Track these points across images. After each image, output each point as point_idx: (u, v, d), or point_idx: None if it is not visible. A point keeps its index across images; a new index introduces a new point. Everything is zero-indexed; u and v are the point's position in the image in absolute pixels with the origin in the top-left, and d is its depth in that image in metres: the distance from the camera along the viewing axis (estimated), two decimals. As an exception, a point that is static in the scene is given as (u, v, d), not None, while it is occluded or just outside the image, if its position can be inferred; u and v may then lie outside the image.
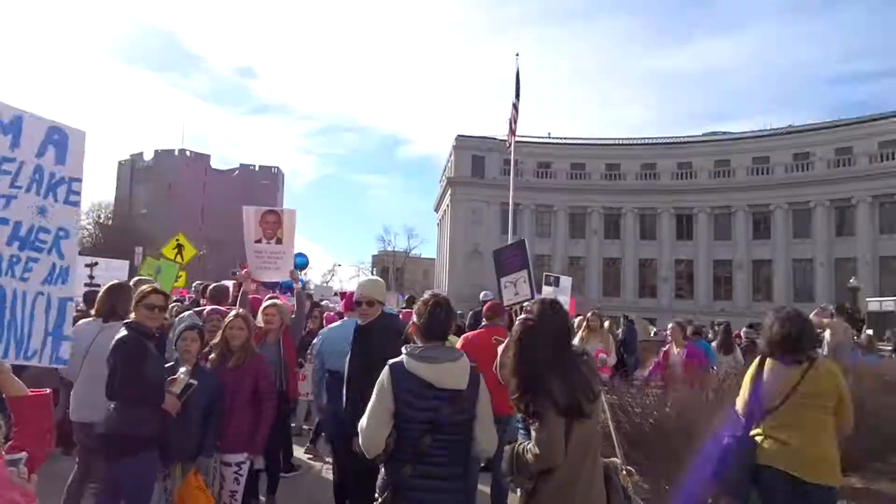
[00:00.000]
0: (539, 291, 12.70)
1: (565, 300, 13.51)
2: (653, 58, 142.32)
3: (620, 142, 59.35)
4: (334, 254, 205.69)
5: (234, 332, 5.14)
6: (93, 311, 5.84)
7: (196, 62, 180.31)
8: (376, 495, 3.37)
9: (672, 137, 58.57)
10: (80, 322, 5.74)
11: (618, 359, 11.50)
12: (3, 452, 2.18)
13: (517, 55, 21.61)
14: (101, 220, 68.46)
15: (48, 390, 2.49)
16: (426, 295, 3.68)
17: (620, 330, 15.24)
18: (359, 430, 3.38)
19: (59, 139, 2.89)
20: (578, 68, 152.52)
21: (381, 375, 3.39)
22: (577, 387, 3.24)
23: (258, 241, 6.81)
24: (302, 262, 14.08)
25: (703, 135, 59.21)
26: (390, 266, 69.82)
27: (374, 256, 78.64)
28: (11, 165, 2.69)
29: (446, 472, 3.30)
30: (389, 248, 73.71)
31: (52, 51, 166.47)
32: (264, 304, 6.34)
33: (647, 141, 58.82)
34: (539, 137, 58.51)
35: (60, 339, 2.84)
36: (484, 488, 6.50)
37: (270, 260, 6.83)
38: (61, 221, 2.91)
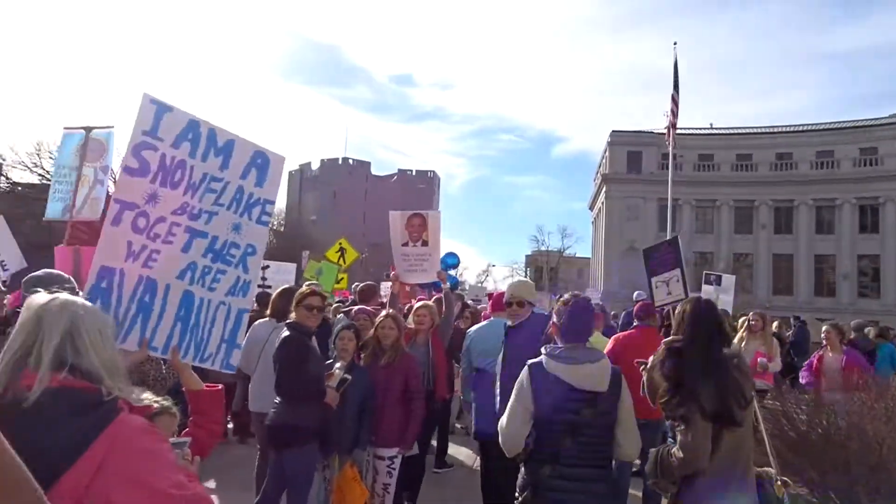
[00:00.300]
0: (699, 290, 12.11)
1: (728, 300, 12.76)
2: (825, 36, 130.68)
3: (792, 129, 54.86)
4: (488, 255, 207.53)
5: (385, 332, 5.39)
6: (267, 312, 6.44)
7: (357, 73, 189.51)
8: (516, 494, 3.41)
9: (853, 121, 53.22)
10: (257, 323, 6.40)
11: (788, 362, 10.68)
12: (178, 436, 2.46)
13: (675, 44, 20.63)
14: (274, 227, 73.88)
15: (221, 386, 2.76)
16: (566, 295, 3.66)
17: (791, 332, 14.14)
18: (499, 428, 3.44)
19: (261, 163, 3.14)
20: (741, 54, 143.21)
21: (520, 375, 3.42)
22: (727, 392, 3.09)
23: (405, 245, 7.02)
24: (453, 262, 14.38)
25: (891, 116, 53.22)
26: (544, 266, 69.37)
27: (527, 256, 78.46)
28: (218, 185, 2.98)
29: (586, 474, 3.27)
30: (543, 248, 73.22)
31: (224, 71, 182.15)
32: (416, 305, 6.56)
33: (822, 126, 53.89)
34: (700, 129, 55.62)
35: (233, 347, 3.06)
36: (636, 492, 6.33)
37: (417, 262, 7.03)
38: (251, 239, 3.12)
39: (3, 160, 50.05)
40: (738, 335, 7.96)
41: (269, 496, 5.10)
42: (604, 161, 59.17)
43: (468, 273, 78.72)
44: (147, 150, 2.74)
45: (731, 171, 53.54)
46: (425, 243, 6.97)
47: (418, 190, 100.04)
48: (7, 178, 50.63)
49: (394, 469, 5.28)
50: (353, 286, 12.62)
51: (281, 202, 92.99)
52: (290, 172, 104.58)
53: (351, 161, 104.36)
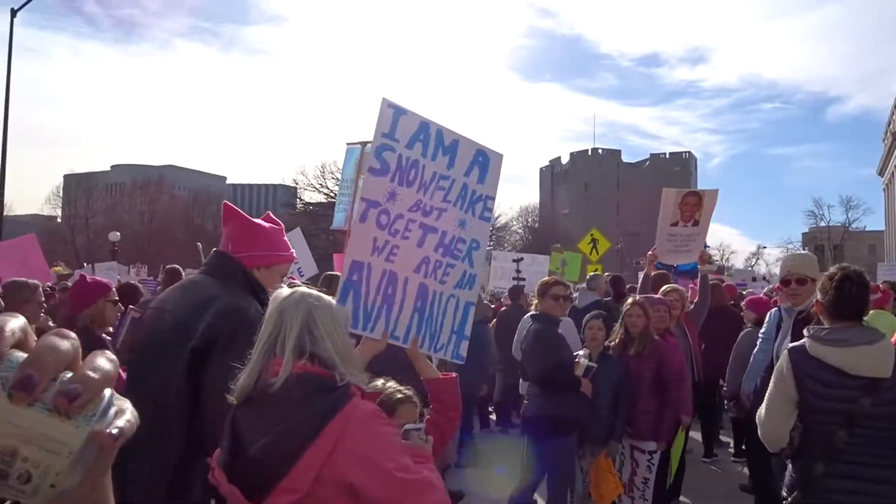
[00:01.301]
0: None
1: None
2: None
3: None
4: (757, 236, 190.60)
5: (633, 320, 5.19)
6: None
7: (601, 61, 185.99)
8: (784, 493, 3.07)
9: None
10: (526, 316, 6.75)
11: None
12: (417, 423, 2.60)
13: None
14: (528, 223, 75.41)
15: (455, 374, 2.82)
16: (832, 268, 3.21)
17: None
18: (756, 420, 3.14)
19: (482, 161, 3.24)
20: None
21: (779, 361, 3.09)
22: None
23: (674, 224, 6.69)
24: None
25: None
26: (825, 243, 61.77)
27: (804, 234, 70.54)
28: (446, 182, 3.11)
29: (871, 474, 2.83)
30: (823, 224, 65.29)
31: (472, 80, 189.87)
32: (663, 288, 6.21)
33: None
34: None
35: (462, 338, 3.15)
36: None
37: (683, 242, 6.69)
38: (475, 234, 3.21)
39: (297, 184, 57.96)
40: None
41: (530, 485, 5.20)
42: (894, 117, 51.05)
43: (735, 258, 72.99)
44: (386, 151, 2.90)
45: None
46: (696, 223, 6.61)
47: (673, 173, 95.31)
48: (301, 200, 58.45)
49: (653, 464, 5.07)
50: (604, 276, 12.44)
51: (534, 198, 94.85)
52: (541, 169, 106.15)
53: (600, 151, 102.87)
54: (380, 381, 2.56)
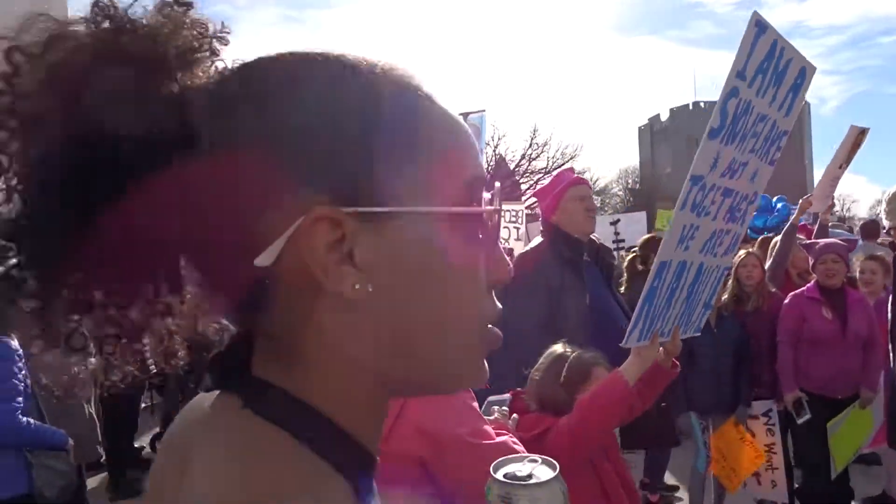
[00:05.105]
0: None
1: None
2: None
3: None
4: (882, 181, 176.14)
5: (748, 271, 4.71)
6: None
7: (696, 10, 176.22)
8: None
9: None
10: None
11: None
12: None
13: None
14: (629, 185, 73.21)
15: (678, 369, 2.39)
16: None
17: None
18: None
19: (798, 83, 2.29)
20: None
21: None
22: None
23: (840, 167, 5.91)
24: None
25: None
26: (962, 184, 56.33)
27: (941, 176, 64.55)
28: (761, 126, 2.21)
29: None
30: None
31: (565, 38, 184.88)
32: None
33: None
34: None
35: (707, 309, 2.54)
36: None
37: (835, 186, 5.98)
38: (759, 186, 2.40)
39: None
40: None
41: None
42: None
43: (857, 206, 67.58)
44: (732, 98, 2.05)
45: None
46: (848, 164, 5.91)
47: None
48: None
49: (773, 425, 4.61)
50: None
51: (634, 159, 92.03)
52: (640, 128, 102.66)
53: (702, 104, 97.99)
54: (558, 346, 2.34)
